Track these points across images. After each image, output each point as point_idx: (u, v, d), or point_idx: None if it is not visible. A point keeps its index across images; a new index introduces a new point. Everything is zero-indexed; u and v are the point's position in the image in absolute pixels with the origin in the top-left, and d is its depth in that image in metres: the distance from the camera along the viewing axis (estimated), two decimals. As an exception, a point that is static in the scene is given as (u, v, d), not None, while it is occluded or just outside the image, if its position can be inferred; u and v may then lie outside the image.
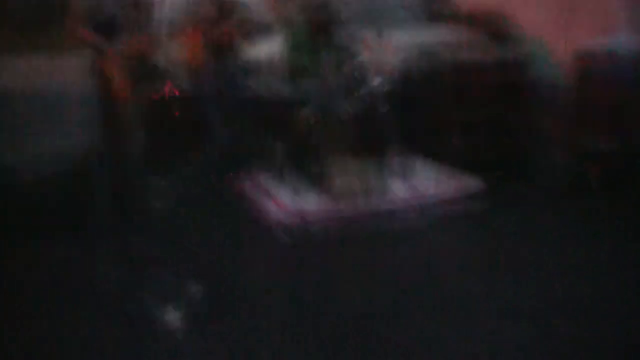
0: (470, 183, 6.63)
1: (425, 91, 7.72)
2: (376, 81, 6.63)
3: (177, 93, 7.68)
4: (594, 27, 9.63)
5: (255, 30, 8.74)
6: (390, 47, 9.27)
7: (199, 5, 6.35)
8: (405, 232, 5.57)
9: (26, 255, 5.05)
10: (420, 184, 6.61)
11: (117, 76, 5.40)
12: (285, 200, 6.11)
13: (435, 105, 7.44)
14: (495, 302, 4.39)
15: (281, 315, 4.25)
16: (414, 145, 7.37)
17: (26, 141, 5.90)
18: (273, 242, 5.36)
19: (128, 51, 5.44)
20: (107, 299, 4.39)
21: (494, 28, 8.58)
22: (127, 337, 3.91)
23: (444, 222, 5.77)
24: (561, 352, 3.79)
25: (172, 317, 4.25)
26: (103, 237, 5.31)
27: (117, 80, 5.41)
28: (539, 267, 4.87)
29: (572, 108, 7.15)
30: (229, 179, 6.68)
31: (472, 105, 7.41)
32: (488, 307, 4.32)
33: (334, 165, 6.27)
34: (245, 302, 4.39)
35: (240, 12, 7.80)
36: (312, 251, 5.19)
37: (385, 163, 6.65)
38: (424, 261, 5.01)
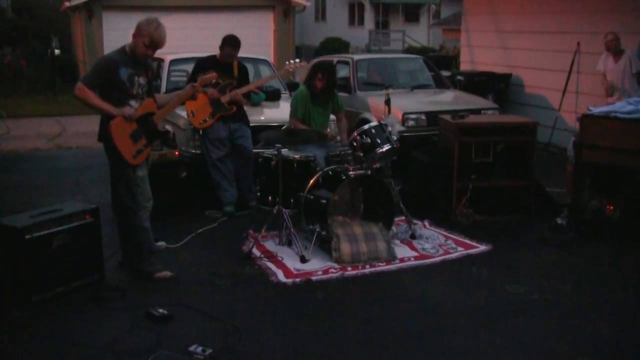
0: (476, 246, 6.65)
1: (433, 156, 7.79)
2: (384, 146, 6.66)
3: (177, 154, 7.74)
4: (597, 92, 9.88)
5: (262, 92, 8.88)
6: (399, 112, 9.40)
7: (205, 69, 6.42)
8: (411, 294, 5.52)
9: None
10: (426, 247, 6.60)
11: (126, 138, 5.44)
12: (290, 263, 6.10)
13: (444, 170, 7.48)
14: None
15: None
16: (421, 210, 7.42)
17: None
18: (276, 305, 5.33)
19: (137, 114, 5.49)
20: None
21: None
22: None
23: (449, 284, 5.74)
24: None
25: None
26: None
27: (127, 143, 5.45)
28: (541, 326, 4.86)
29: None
30: (237, 239, 6.68)
31: (480, 170, 7.49)
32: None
33: (341, 228, 6.27)
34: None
35: (246, 76, 7.91)
36: (315, 312, 5.15)
37: (392, 227, 6.66)
38: (430, 323, 4.97)
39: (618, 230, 6.80)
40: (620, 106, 7.07)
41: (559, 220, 7.17)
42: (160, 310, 4.98)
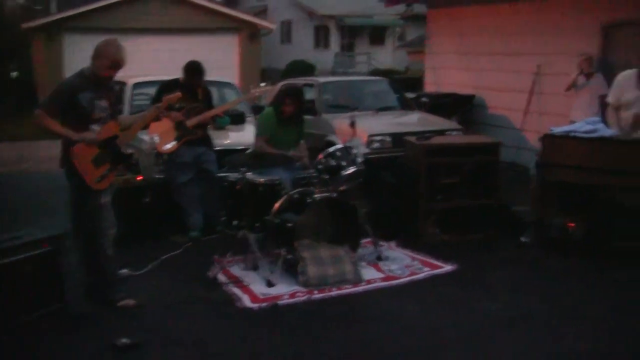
0: (442, 266, 6.68)
1: (399, 177, 7.82)
2: (350, 169, 6.67)
3: (140, 178, 7.67)
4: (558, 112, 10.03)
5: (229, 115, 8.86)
6: (364, 134, 9.43)
7: (170, 92, 6.38)
8: (382, 315, 5.52)
9: None
10: (392, 268, 6.61)
11: (88, 164, 5.37)
12: (257, 287, 6.06)
13: (410, 191, 7.52)
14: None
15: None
16: (388, 231, 7.43)
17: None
18: (243, 330, 5.28)
19: (99, 139, 5.42)
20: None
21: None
22: None
23: (420, 303, 5.74)
24: None
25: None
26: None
27: (89, 168, 5.38)
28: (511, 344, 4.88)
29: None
30: (203, 265, 6.62)
31: (446, 190, 7.53)
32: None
33: (308, 251, 6.25)
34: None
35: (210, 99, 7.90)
36: (285, 336, 5.12)
37: (359, 249, 6.65)
38: (410, 343, 4.99)
39: (582, 247, 6.87)
40: (580, 126, 7.20)
41: (524, 239, 7.25)
42: (124, 340, 4.90)
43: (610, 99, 7.40)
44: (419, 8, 20.98)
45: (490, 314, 5.53)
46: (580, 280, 6.31)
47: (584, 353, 4.84)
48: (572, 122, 8.31)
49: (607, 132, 7.13)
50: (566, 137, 7.13)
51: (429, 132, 8.94)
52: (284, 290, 6.00)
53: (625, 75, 7.27)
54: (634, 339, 5.07)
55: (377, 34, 38.57)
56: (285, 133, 7.35)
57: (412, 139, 7.89)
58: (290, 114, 7.33)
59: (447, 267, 6.66)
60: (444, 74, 14.16)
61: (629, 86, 7.14)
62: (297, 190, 6.67)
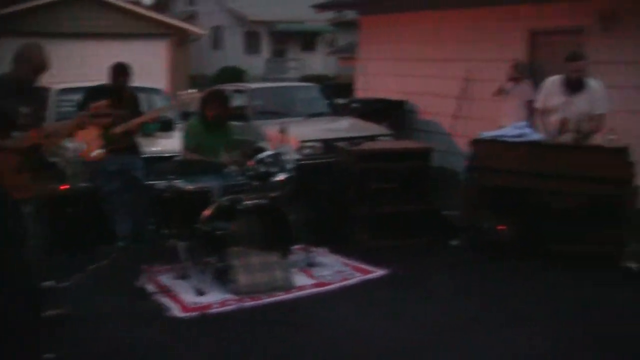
0: (374, 271, 6.69)
1: (331, 183, 7.81)
2: (280, 175, 6.62)
3: (65, 187, 7.47)
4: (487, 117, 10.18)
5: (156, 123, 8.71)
6: (295, 141, 9.38)
7: (95, 98, 6.22)
8: (314, 321, 5.49)
9: None
10: (324, 274, 6.58)
11: (9, 172, 5.18)
12: (186, 297, 5.95)
13: (342, 197, 7.51)
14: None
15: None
16: (320, 237, 7.41)
17: None
18: (173, 340, 5.18)
19: (21, 146, 5.23)
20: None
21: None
22: None
23: (352, 309, 5.73)
24: None
25: None
26: None
27: (10, 177, 5.19)
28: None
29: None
30: (131, 274, 6.47)
31: (378, 196, 7.54)
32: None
33: (238, 258, 6.18)
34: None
35: (138, 106, 7.74)
36: (216, 346, 5.04)
37: (290, 256, 6.60)
38: (349, 351, 4.97)
39: (513, 250, 6.96)
40: (508, 131, 7.31)
41: (454, 243, 7.31)
42: (47, 356, 4.73)
43: (537, 104, 7.53)
44: (350, 14, 21.12)
45: (424, 318, 5.55)
46: (510, 283, 6.40)
47: (534, 346, 4.96)
48: (501, 127, 8.42)
49: (535, 136, 7.25)
50: (495, 141, 7.22)
51: (360, 137, 8.97)
52: (215, 299, 5.91)
53: (551, 81, 7.40)
54: (582, 338, 5.17)
55: (308, 40, 38.68)
56: (213, 139, 7.23)
57: (344, 144, 7.89)
58: (216, 119, 7.22)
59: (379, 273, 6.67)
60: (375, 80, 14.22)
61: (555, 92, 7.27)
62: (227, 197, 6.58)
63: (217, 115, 7.21)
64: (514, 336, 5.20)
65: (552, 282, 6.37)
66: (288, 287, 6.15)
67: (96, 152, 7.29)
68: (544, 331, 5.28)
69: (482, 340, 5.13)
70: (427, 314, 5.64)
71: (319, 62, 36.54)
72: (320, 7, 16.63)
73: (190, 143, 7.22)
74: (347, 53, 28.30)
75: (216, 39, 37.14)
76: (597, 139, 7.09)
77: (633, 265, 6.63)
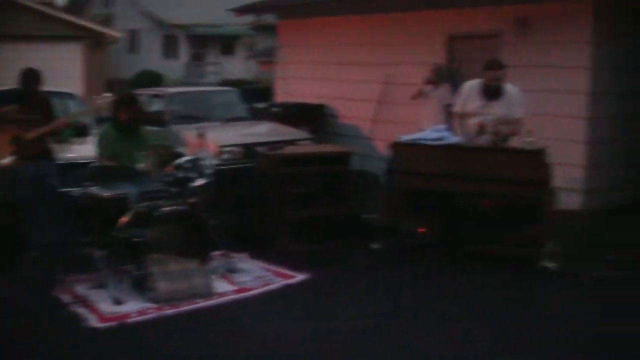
0: (295, 275, 6.66)
1: (251, 188, 7.75)
2: (199, 180, 6.53)
3: None
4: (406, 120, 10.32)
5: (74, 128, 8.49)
6: (214, 146, 9.26)
7: (5, 103, 6.01)
8: (237, 328, 5.44)
9: None
10: (245, 280, 6.52)
11: None
12: (104, 306, 5.79)
13: (262, 202, 7.46)
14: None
15: None
16: (240, 242, 7.33)
17: None
18: (91, 351, 5.03)
19: None
20: None
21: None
22: None
23: (271, 316, 5.69)
24: None
25: None
26: None
27: None
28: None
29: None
30: (46, 284, 6.27)
31: (298, 200, 7.52)
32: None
33: (157, 266, 6.05)
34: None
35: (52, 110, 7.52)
36: (136, 356, 4.92)
37: (210, 262, 6.51)
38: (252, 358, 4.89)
39: (433, 252, 7.03)
40: (427, 134, 7.38)
41: (375, 246, 7.33)
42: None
43: (456, 107, 7.62)
44: (270, 18, 21.07)
45: (345, 322, 5.54)
46: (429, 285, 6.47)
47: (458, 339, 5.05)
48: (421, 130, 8.51)
49: (453, 139, 7.34)
50: (414, 144, 7.29)
51: (280, 142, 8.93)
52: (133, 308, 5.77)
53: (470, 85, 7.50)
54: (506, 338, 5.24)
55: (227, 44, 38.47)
56: (128, 144, 7.06)
57: (263, 149, 7.84)
58: (129, 123, 7.06)
59: (300, 277, 6.65)
60: (295, 84, 14.21)
61: (474, 96, 7.36)
62: (144, 204, 6.43)
63: (130, 119, 7.04)
64: (429, 336, 5.24)
65: (471, 283, 6.46)
66: (208, 294, 6.06)
67: (6, 159, 7.05)
68: (460, 332, 5.33)
69: (400, 342, 5.14)
70: (347, 318, 5.63)
71: (238, 66, 36.37)
72: (239, 11, 16.54)
73: (104, 149, 7.02)
74: (267, 57, 28.25)
75: (133, 43, 36.54)
76: (515, 142, 7.22)
77: (551, 265, 6.78)
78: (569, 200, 8.91)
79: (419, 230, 7.20)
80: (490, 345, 5.10)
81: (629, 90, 9.56)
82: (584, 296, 6.24)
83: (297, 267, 6.84)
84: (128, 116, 7.03)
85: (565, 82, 9.42)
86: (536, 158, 6.83)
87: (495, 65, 7.29)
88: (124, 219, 6.21)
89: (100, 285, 6.20)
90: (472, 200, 7.17)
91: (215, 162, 9.11)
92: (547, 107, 9.33)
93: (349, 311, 5.77)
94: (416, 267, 6.89)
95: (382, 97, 11.86)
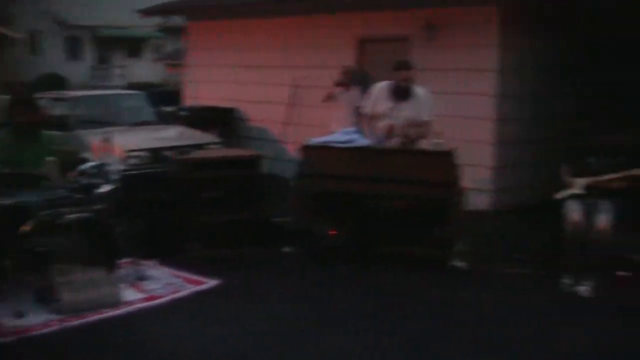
0: (205, 281, 6.57)
1: (160, 193, 7.58)
2: (104, 187, 6.33)
3: None
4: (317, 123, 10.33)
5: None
6: (120, 150, 9.04)
7: None
8: (146, 338, 5.29)
9: None
10: (154, 288, 6.38)
11: None
12: (4, 320, 5.53)
13: (171, 207, 7.32)
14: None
15: None
16: (149, 249, 7.16)
17: None
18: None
19: None
20: None
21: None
22: None
23: (181, 323, 5.56)
24: None
25: None
26: None
27: None
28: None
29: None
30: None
31: (209, 205, 7.40)
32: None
33: (61, 276, 5.83)
34: None
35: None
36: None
37: (117, 270, 6.32)
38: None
39: (345, 254, 7.03)
40: (337, 136, 7.38)
41: (288, 249, 7.29)
42: None
43: (365, 110, 7.63)
44: (178, 20, 20.79)
45: (255, 327, 5.48)
46: (345, 286, 6.49)
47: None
48: (331, 132, 8.50)
49: (364, 141, 7.36)
50: (325, 147, 7.27)
51: (188, 146, 8.80)
52: (36, 321, 5.53)
53: (379, 87, 7.53)
54: (413, 338, 5.28)
55: (134, 46, 37.86)
56: (28, 150, 6.77)
57: (172, 153, 7.69)
58: (27, 127, 6.74)
59: (211, 283, 6.55)
60: (204, 87, 14.03)
61: (383, 97, 7.39)
62: (47, 212, 6.18)
63: (29, 123, 6.73)
64: (339, 336, 5.26)
65: (381, 284, 6.51)
66: (116, 303, 5.89)
67: None
68: (370, 330, 5.38)
69: (313, 343, 5.14)
70: (258, 323, 5.57)
71: (145, 69, 35.81)
72: (147, 13, 16.23)
73: (0, 155, 6.70)
74: (175, 59, 27.94)
75: (34, 44, 35.44)
76: (424, 144, 7.28)
77: (461, 264, 6.87)
78: (479, 201, 9.07)
79: (331, 232, 7.19)
80: (399, 343, 5.15)
81: (535, 91, 9.81)
82: (490, 294, 6.34)
83: (208, 273, 6.73)
84: (26, 119, 6.73)
85: (473, 84, 9.60)
86: (445, 159, 6.91)
87: (404, 66, 7.34)
88: (26, 228, 5.96)
89: (0, 299, 5.94)
90: (383, 202, 7.22)
91: (121, 167, 8.91)
92: (456, 109, 9.47)
93: (260, 315, 5.71)
94: (328, 270, 6.90)
95: (292, 100, 11.83)
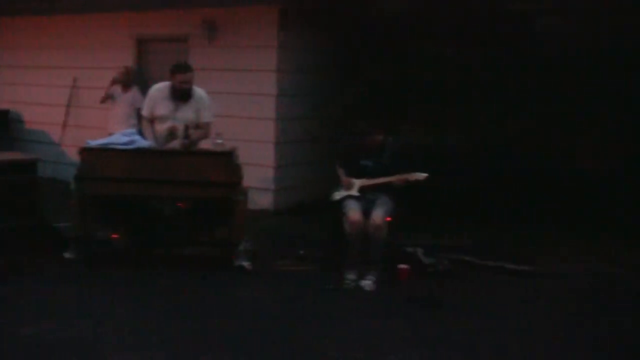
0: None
1: None
2: None
3: None
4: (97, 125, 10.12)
5: None
6: None
7: None
8: None
9: None
10: None
11: None
12: None
13: None
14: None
15: None
16: None
17: None
18: None
19: None
20: None
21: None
22: None
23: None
24: None
25: None
26: None
27: None
28: None
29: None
30: None
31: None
32: None
33: None
34: None
35: None
36: None
37: None
38: None
39: (129, 258, 6.94)
40: (117, 138, 7.23)
41: (68, 255, 7.07)
42: None
43: (144, 111, 7.48)
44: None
45: (33, 336, 5.21)
46: (129, 290, 6.36)
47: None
48: (111, 134, 8.34)
49: (144, 143, 7.23)
50: (104, 149, 7.10)
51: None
52: None
53: (157, 89, 7.38)
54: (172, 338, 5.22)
55: None
56: None
57: None
58: None
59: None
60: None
61: (163, 99, 7.25)
62: None
63: None
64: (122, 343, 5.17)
65: (168, 287, 6.47)
66: None
67: None
68: (132, 335, 5.29)
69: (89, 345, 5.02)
70: (36, 332, 5.29)
71: None
72: None
73: None
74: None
75: None
76: (206, 144, 7.31)
77: (245, 263, 6.96)
78: (263, 200, 9.26)
79: (113, 236, 7.06)
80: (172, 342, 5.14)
81: (313, 91, 10.12)
82: (275, 292, 6.49)
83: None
84: None
85: (254, 84, 9.76)
86: (226, 159, 6.97)
87: (182, 69, 7.21)
88: None
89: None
90: (166, 204, 7.18)
91: None
92: (238, 109, 9.60)
93: (40, 325, 5.43)
94: (111, 275, 6.73)
95: (71, 102, 11.47)
